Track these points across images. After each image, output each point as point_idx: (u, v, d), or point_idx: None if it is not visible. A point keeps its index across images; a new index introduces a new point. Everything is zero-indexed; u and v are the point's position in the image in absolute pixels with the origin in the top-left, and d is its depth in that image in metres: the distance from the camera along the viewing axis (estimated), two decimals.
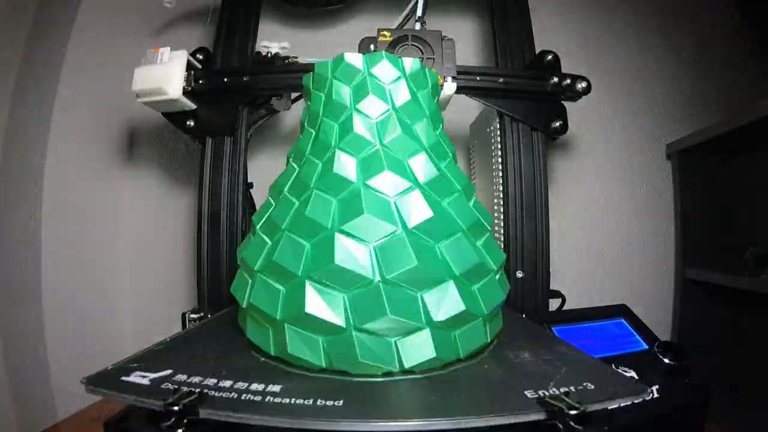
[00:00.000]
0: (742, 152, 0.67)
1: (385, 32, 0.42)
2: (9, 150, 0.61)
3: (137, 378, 0.22)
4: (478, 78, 0.50)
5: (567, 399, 0.20)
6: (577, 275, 0.72)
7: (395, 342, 0.23)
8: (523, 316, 0.45)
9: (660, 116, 0.74)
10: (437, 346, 0.24)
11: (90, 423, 0.41)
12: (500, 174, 0.53)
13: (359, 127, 0.27)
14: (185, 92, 0.49)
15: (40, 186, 0.59)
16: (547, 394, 0.20)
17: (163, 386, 0.21)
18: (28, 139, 0.60)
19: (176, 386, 0.21)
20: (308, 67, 0.45)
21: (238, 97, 0.52)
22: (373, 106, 0.28)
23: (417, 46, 0.42)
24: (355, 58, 0.29)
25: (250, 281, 0.27)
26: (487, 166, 0.58)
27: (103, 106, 0.68)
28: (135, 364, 0.24)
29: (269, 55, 0.55)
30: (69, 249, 0.62)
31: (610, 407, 0.20)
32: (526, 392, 0.21)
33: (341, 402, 0.20)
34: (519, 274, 0.50)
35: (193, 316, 0.51)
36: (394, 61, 0.29)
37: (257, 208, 0.60)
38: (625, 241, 0.73)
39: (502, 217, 0.52)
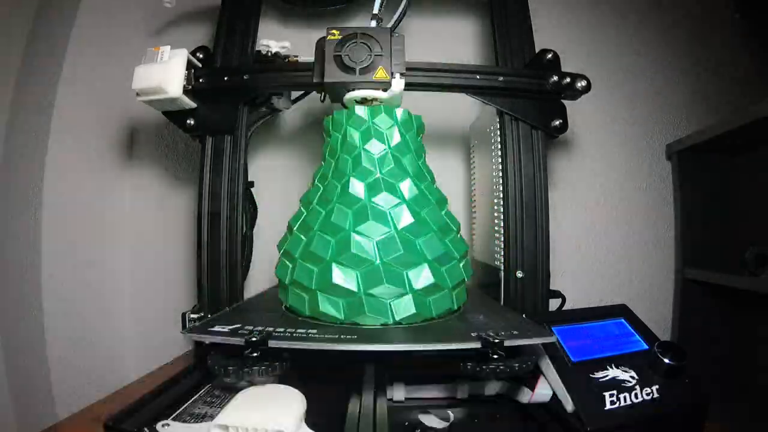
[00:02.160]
0: (742, 152, 0.67)
1: (334, 31, 0.43)
2: (9, 150, 0.61)
3: (220, 328, 0.33)
4: (477, 77, 0.50)
5: (495, 335, 0.31)
6: (577, 275, 0.72)
7: (389, 303, 0.36)
8: (523, 316, 0.45)
9: (660, 116, 0.74)
10: (417, 306, 0.36)
11: (90, 423, 0.41)
12: (500, 174, 0.53)
13: (366, 161, 0.40)
14: (185, 91, 0.49)
15: (40, 186, 0.59)
16: (483, 335, 0.32)
17: (240, 332, 0.32)
18: (28, 139, 0.60)
19: (248, 331, 0.32)
20: (308, 66, 0.46)
21: (238, 96, 0.52)
22: (375, 146, 0.40)
23: (365, 44, 0.42)
24: (362, 112, 0.41)
25: (290, 266, 0.39)
26: (487, 166, 0.58)
27: (103, 106, 0.68)
28: (213, 322, 0.35)
29: (269, 54, 0.55)
30: (69, 249, 0.62)
31: (523, 343, 0.32)
32: (471, 333, 0.32)
33: (355, 336, 0.32)
34: (519, 274, 0.51)
35: (193, 316, 0.51)
36: (389, 113, 0.41)
37: (258, 207, 0.61)
38: (625, 241, 0.73)
39: (502, 217, 0.52)
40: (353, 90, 0.43)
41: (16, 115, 0.61)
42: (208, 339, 0.31)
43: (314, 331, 0.33)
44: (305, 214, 0.41)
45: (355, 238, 0.36)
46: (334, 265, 0.36)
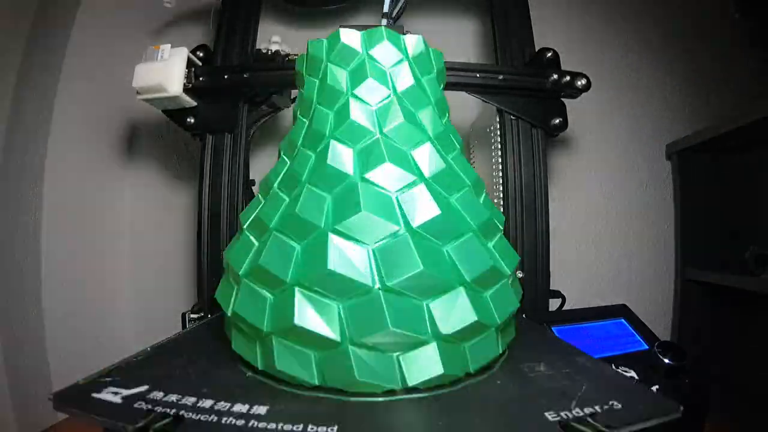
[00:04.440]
0: (742, 152, 0.67)
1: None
2: (9, 150, 0.60)
3: (109, 395, 0.20)
4: (477, 75, 0.50)
5: (593, 422, 0.17)
6: (577, 275, 0.72)
7: (397, 357, 0.21)
8: (524, 316, 0.45)
9: (660, 116, 0.74)
10: (445, 362, 0.21)
11: (90, 423, 0.41)
12: (500, 174, 0.53)
13: (357, 114, 0.25)
14: (186, 89, 0.49)
15: (40, 186, 0.59)
16: (570, 416, 0.18)
17: (136, 405, 0.19)
18: (28, 139, 0.60)
19: (150, 406, 0.19)
20: None
21: (238, 94, 0.52)
22: (372, 91, 0.25)
23: None
24: (352, 38, 0.26)
25: (235, 287, 0.25)
26: (487, 166, 0.58)
27: (103, 106, 0.68)
28: (109, 378, 0.21)
29: (269, 52, 0.55)
30: (69, 249, 0.62)
31: (639, 429, 0.18)
32: (546, 414, 0.18)
33: (335, 428, 0.17)
34: (519, 274, 0.50)
35: (193, 316, 0.51)
36: (395, 40, 0.26)
37: None
38: (625, 241, 0.73)
39: (504, 217, 0.52)
40: None
41: (16, 115, 0.61)
42: (81, 416, 0.19)
43: (263, 411, 0.19)
44: (261, 204, 0.27)
45: (335, 243, 0.22)
46: (298, 292, 0.21)
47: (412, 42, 0.27)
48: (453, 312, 0.22)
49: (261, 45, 0.56)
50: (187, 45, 0.51)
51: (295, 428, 0.17)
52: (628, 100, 0.74)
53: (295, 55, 0.56)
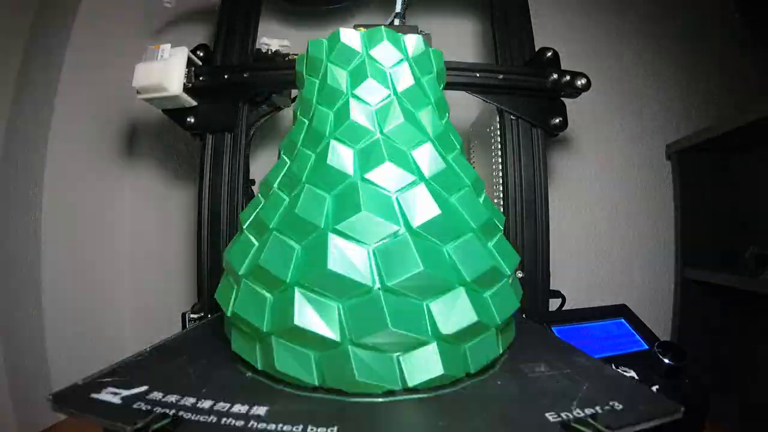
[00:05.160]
0: (742, 152, 0.67)
1: (361, 28, 0.43)
2: (9, 150, 0.61)
3: (108, 395, 0.20)
4: (477, 74, 0.50)
5: (594, 423, 0.17)
6: (577, 275, 0.72)
7: (397, 358, 0.21)
8: (524, 316, 0.45)
9: (660, 116, 0.74)
10: (445, 362, 0.21)
11: (90, 423, 0.41)
12: (500, 174, 0.53)
13: (357, 114, 0.25)
14: (186, 89, 0.49)
15: (40, 186, 0.59)
16: (571, 416, 0.18)
17: (135, 406, 0.19)
18: (28, 139, 0.60)
19: (149, 407, 0.19)
20: None
21: (238, 94, 0.52)
22: (372, 91, 0.25)
23: None
24: (352, 38, 0.26)
25: (235, 287, 0.25)
26: (487, 166, 0.58)
27: (103, 106, 0.68)
28: (109, 378, 0.21)
29: (269, 52, 0.55)
30: (69, 249, 0.62)
31: (640, 429, 0.18)
32: (547, 415, 0.18)
33: (335, 428, 0.17)
34: (519, 274, 0.50)
35: (193, 316, 0.51)
36: (395, 40, 0.26)
37: None
38: (625, 241, 0.73)
39: (504, 217, 0.52)
40: None
41: (16, 115, 0.61)
42: (79, 416, 0.19)
43: (262, 411, 0.19)
44: (261, 203, 0.27)
45: (335, 243, 0.22)
46: (297, 292, 0.21)
47: (412, 42, 0.27)
48: (453, 312, 0.22)
49: (261, 44, 0.56)
50: (187, 45, 0.51)
51: (294, 429, 0.17)
52: (628, 100, 0.74)
53: (295, 54, 0.56)
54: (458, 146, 0.29)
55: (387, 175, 0.23)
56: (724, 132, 0.58)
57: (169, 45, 0.49)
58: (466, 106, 0.67)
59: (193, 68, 0.50)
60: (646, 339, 0.41)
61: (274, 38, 0.56)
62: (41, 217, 0.58)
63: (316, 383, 0.21)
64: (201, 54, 0.53)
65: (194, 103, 0.51)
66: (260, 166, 0.72)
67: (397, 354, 0.21)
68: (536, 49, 0.53)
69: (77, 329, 0.62)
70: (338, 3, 0.69)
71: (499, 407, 0.20)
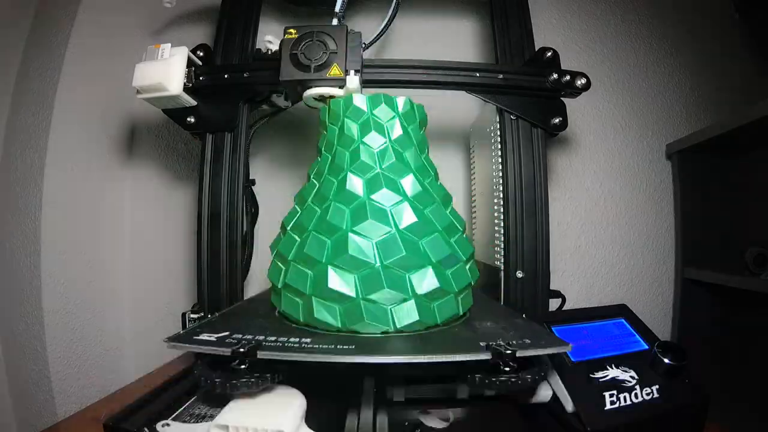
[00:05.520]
0: (741, 152, 0.67)
1: (292, 30, 0.45)
2: (9, 149, 0.61)
3: (206, 336, 0.30)
4: (477, 74, 0.50)
5: (506, 345, 0.28)
6: (577, 275, 0.72)
7: (390, 309, 0.33)
8: (523, 316, 0.45)
9: (660, 116, 0.74)
10: (420, 313, 0.33)
11: (90, 423, 0.41)
12: (500, 174, 0.53)
13: (364, 155, 0.37)
14: (186, 88, 0.49)
15: (40, 186, 0.59)
16: (493, 344, 0.29)
17: (227, 340, 0.29)
18: (28, 139, 0.60)
19: (236, 340, 0.29)
20: None
21: (238, 94, 0.52)
22: (374, 139, 0.37)
23: (321, 42, 0.43)
24: (360, 101, 0.38)
25: (283, 268, 0.36)
26: (487, 166, 0.58)
27: (103, 106, 0.68)
28: (200, 329, 0.32)
29: (269, 52, 0.55)
30: (69, 249, 0.62)
31: (537, 353, 0.29)
32: (480, 343, 0.30)
33: (353, 347, 0.29)
34: (519, 274, 0.50)
35: (193, 315, 0.51)
36: (390, 103, 0.38)
37: (259, 205, 0.61)
38: (625, 241, 0.73)
39: (502, 217, 0.52)
40: (309, 88, 0.44)
41: (16, 115, 0.61)
42: (192, 348, 0.29)
43: (308, 340, 0.30)
44: (299, 213, 0.38)
45: (352, 238, 0.33)
46: (330, 268, 0.33)
47: (401, 102, 0.39)
48: (424, 281, 0.34)
49: (261, 44, 0.56)
50: (187, 45, 0.51)
51: (329, 347, 0.29)
52: (628, 100, 0.75)
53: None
54: (432, 173, 0.40)
55: (384, 196, 0.35)
56: (724, 132, 0.58)
57: (169, 45, 0.49)
58: (466, 106, 0.67)
59: (193, 68, 0.50)
60: (646, 339, 0.41)
61: (272, 38, 0.56)
62: (41, 217, 0.58)
63: (340, 326, 0.33)
64: (201, 54, 0.53)
65: (194, 103, 0.51)
66: (260, 166, 0.72)
67: (390, 306, 0.33)
68: (536, 49, 0.53)
69: (77, 329, 0.62)
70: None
71: (452, 340, 0.33)
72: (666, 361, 0.36)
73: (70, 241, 0.62)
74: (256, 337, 0.30)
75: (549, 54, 0.51)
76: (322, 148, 0.40)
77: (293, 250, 0.36)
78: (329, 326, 0.33)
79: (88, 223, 0.66)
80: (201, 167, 0.53)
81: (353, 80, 0.44)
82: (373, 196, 0.35)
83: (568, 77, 0.50)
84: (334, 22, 0.46)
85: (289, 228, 0.38)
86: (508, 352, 0.27)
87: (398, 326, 0.32)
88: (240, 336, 0.30)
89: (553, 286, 0.52)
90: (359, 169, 0.36)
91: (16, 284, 0.58)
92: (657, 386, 0.35)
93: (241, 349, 0.27)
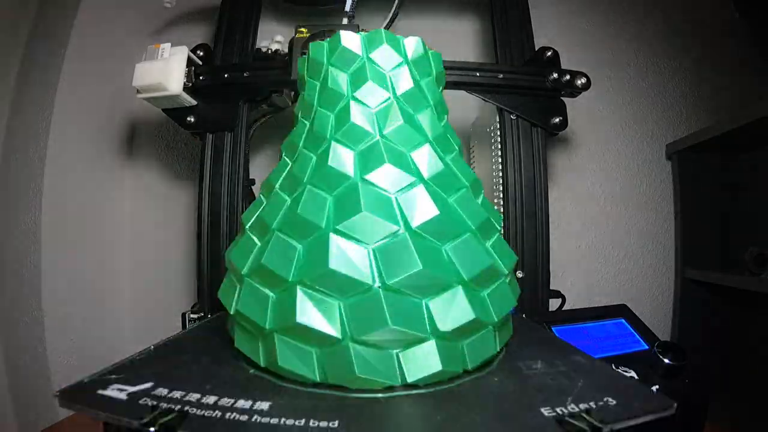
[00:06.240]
0: (742, 152, 0.67)
1: (303, 29, 0.43)
2: (9, 150, 0.61)
3: (114, 392, 0.20)
4: (477, 74, 0.50)
5: (588, 417, 0.18)
6: (577, 275, 0.72)
7: (397, 354, 0.21)
8: (523, 316, 0.45)
9: (660, 116, 0.74)
10: (443, 358, 0.22)
11: (90, 423, 0.41)
12: (500, 174, 0.53)
13: (357, 116, 0.25)
14: (186, 88, 0.49)
15: (40, 186, 0.59)
16: (565, 411, 0.18)
17: (141, 401, 0.19)
18: (28, 139, 0.60)
19: (155, 402, 0.19)
20: None
21: (238, 93, 0.52)
22: (372, 94, 0.26)
23: None
24: (352, 41, 0.27)
25: (237, 286, 0.25)
26: (487, 166, 0.58)
27: (103, 106, 0.68)
28: (114, 375, 0.21)
29: (269, 51, 0.55)
30: (69, 248, 0.62)
31: (634, 424, 0.18)
32: (542, 410, 0.18)
33: (336, 423, 0.18)
34: (519, 274, 0.50)
35: (193, 316, 0.51)
36: (394, 43, 0.27)
37: None
38: (625, 240, 0.73)
39: (502, 216, 0.52)
40: None
41: (16, 115, 0.61)
42: (87, 412, 0.19)
43: (265, 406, 0.19)
44: (264, 204, 0.27)
45: (336, 242, 0.22)
46: (299, 291, 0.22)
47: (411, 45, 0.27)
48: (451, 310, 0.22)
49: (261, 44, 0.56)
50: (187, 44, 0.51)
51: (297, 423, 0.18)
52: (628, 99, 0.74)
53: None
54: (457, 147, 0.29)
55: (387, 176, 0.24)
56: (724, 132, 0.58)
57: (169, 44, 0.49)
58: (466, 105, 0.67)
59: (193, 68, 0.50)
60: (646, 339, 0.41)
61: (272, 37, 0.56)
62: (41, 217, 0.58)
63: (318, 379, 0.22)
64: (201, 53, 0.53)
65: (194, 103, 0.51)
66: (260, 166, 0.72)
67: (397, 351, 0.21)
68: (536, 48, 0.53)
69: (77, 329, 0.62)
70: (338, 2, 0.69)
71: (495, 403, 0.20)
72: (666, 361, 0.36)
73: (70, 241, 0.62)
74: (187, 396, 0.20)
75: (549, 53, 0.51)
76: (299, 115, 0.29)
77: (250, 259, 0.25)
78: (302, 378, 0.22)
79: (88, 223, 0.66)
80: (201, 167, 0.53)
81: None
82: (369, 176, 0.24)
83: (568, 77, 0.50)
84: (344, 21, 0.46)
85: (247, 226, 0.27)
86: (598, 425, 0.17)
87: (409, 380, 0.21)
88: (165, 392, 0.20)
89: (553, 286, 0.52)
90: (349, 136, 0.25)
91: (16, 284, 0.58)
92: (657, 386, 0.35)
93: (151, 427, 0.17)
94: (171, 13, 0.73)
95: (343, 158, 0.24)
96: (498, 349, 0.25)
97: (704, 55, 0.74)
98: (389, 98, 0.26)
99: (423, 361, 0.21)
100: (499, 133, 0.53)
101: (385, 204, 0.23)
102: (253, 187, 0.59)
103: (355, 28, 0.45)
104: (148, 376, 0.22)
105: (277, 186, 0.27)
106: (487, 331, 0.24)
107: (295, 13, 0.73)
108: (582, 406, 0.19)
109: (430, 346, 0.22)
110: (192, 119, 0.52)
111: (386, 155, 0.24)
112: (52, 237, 0.59)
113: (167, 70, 0.47)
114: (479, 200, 0.28)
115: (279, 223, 0.24)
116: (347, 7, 0.47)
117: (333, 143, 0.25)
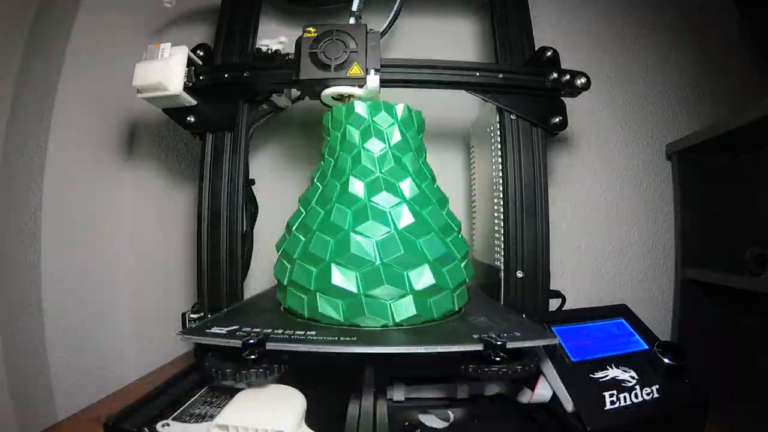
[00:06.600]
0: (742, 152, 0.67)
1: (311, 28, 0.44)
2: (9, 150, 0.61)
3: (217, 330, 0.32)
4: (477, 74, 0.50)
5: (496, 338, 0.31)
6: (577, 275, 0.72)
7: (390, 304, 0.35)
8: (524, 316, 0.45)
9: (660, 116, 0.74)
10: (418, 308, 0.35)
11: (90, 423, 0.41)
12: (500, 174, 0.53)
13: (365, 160, 0.39)
14: (186, 88, 0.49)
15: (40, 186, 0.59)
16: (485, 336, 0.31)
17: (237, 333, 0.31)
18: (28, 139, 0.60)
19: (245, 333, 0.31)
20: None
21: (238, 93, 0.52)
22: (374, 145, 0.40)
23: (340, 41, 0.43)
24: (361, 108, 0.40)
25: (289, 266, 0.39)
26: (487, 166, 0.58)
27: (103, 106, 0.68)
28: (210, 324, 0.33)
29: (269, 51, 0.55)
30: (69, 249, 0.62)
31: (526, 345, 0.31)
32: (473, 335, 0.32)
33: (355, 338, 0.31)
34: (519, 274, 0.50)
35: (193, 315, 0.51)
36: (389, 110, 0.40)
37: (258, 205, 0.61)
38: (625, 241, 0.73)
39: (502, 217, 0.52)
40: (329, 87, 0.44)
41: (16, 115, 0.61)
42: (204, 341, 0.30)
43: (313, 332, 0.32)
44: (304, 214, 0.40)
45: (354, 238, 0.35)
46: (333, 266, 0.35)
47: (400, 109, 0.41)
48: (422, 278, 0.36)
49: (261, 44, 0.56)
50: (187, 44, 0.51)
51: (333, 339, 0.31)
52: (628, 99, 0.74)
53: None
54: (430, 177, 0.42)
55: (384, 199, 0.38)
56: (724, 132, 0.58)
57: (169, 44, 0.49)
58: (466, 105, 0.67)
59: (193, 67, 0.50)
60: (646, 339, 0.41)
61: (272, 37, 0.56)
62: (41, 217, 0.58)
63: (343, 320, 0.35)
64: (201, 53, 0.53)
65: (194, 103, 0.51)
66: (260, 166, 0.72)
67: (389, 301, 0.35)
68: (536, 48, 0.53)
69: (77, 329, 0.62)
70: (338, 2, 0.69)
71: (448, 334, 0.35)
72: (666, 361, 0.36)
73: (70, 241, 0.62)
74: (264, 330, 0.31)
75: (549, 53, 0.51)
76: (325, 153, 0.42)
77: (298, 249, 0.38)
78: (332, 320, 0.35)
79: (88, 223, 0.66)
80: (201, 167, 0.53)
81: (373, 79, 0.44)
82: (373, 199, 0.37)
83: (567, 76, 0.50)
84: (351, 21, 0.46)
85: (294, 228, 0.40)
86: (499, 343, 0.30)
87: (397, 320, 0.35)
88: (249, 329, 0.32)
89: (553, 286, 0.52)
90: (360, 172, 0.39)
91: (16, 284, 0.58)
92: (657, 386, 0.35)
93: (251, 341, 0.28)
94: (171, 13, 0.73)
95: (357, 187, 0.38)
96: (456, 308, 0.39)
97: (705, 55, 0.74)
98: (385, 147, 0.40)
99: (405, 308, 0.35)
100: (499, 133, 0.53)
101: (383, 215, 0.37)
102: (253, 186, 0.59)
103: (363, 28, 0.45)
104: (233, 322, 0.33)
105: (314, 202, 0.40)
106: (446, 293, 0.37)
107: (296, 13, 0.73)
108: (495, 334, 0.31)
109: (409, 300, 0.35)
110: (192, 119, 0.52)
111: (384, 186, 0.38)
112: (52, 237, 0.59)
113: (167, 69, 0.47)
114: (444, 212, 0.41)
115: (318, 226, 0.38)
116: (354, 7, 0.47)
117: (351, 177, 0.38)
